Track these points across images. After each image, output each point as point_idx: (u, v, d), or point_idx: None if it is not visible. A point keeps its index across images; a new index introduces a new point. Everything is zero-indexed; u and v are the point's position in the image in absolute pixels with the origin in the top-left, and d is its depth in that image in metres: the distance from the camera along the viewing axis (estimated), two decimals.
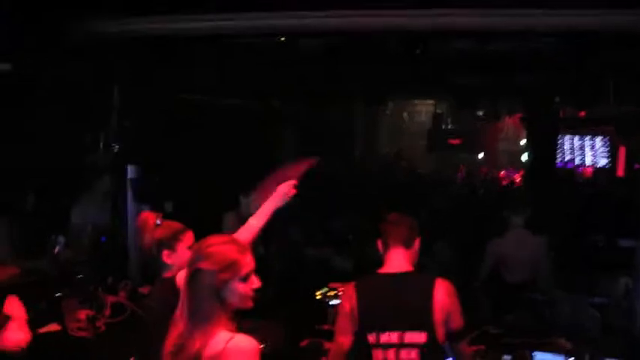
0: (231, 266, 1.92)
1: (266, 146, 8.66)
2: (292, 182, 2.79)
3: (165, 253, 2.67)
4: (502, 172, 14.12)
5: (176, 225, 2.75)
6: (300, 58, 6.48)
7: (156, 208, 4.67)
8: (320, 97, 10.37)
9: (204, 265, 1.91)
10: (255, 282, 1.97)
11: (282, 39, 5.08)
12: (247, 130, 7.52)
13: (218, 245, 1.97)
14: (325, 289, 3.73)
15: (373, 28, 4.63)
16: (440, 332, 2.63)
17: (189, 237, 2.71)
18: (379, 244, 2.85)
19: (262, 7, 4.35)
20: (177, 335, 1.92)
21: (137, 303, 3.97)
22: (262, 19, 4.42)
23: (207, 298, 1.89)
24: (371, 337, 2.65)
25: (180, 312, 1.93)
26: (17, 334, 3.19)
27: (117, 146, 5.56)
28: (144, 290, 4.26)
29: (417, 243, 2.84)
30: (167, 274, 2.65)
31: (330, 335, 3.46)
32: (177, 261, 2.61)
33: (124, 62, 5.17)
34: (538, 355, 3.27)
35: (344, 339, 2.73)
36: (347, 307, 2.73)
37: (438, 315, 2.61)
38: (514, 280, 4.68)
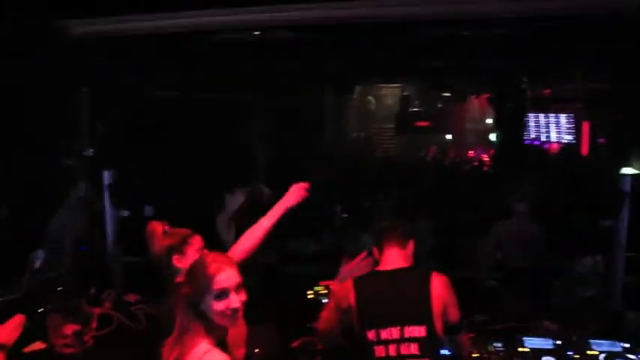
0: (201, 282, 1.96)
1: (239, 139, 8.61)
2: (305, 184, 2.91)
3: (175, 257, 2.72)
4: (471, 152, 14.30)
5: (183, 230, 2.81)
6: (267, 46, 6.44)
7: (135, 212, 4.61)
8: (288, 85, 10.38)
9: (181, 279, 2.04)
10: (234, 301, 1.95)
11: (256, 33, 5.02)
12: (220, 124, 7.46)
13: (197, 260, 2.07)
14: (317, 288, 3.75)
15: (341, 17, 4.64)
16: (438, 325, 2.68)
17: (197, 240, 2.77)
18: (374, 250, 2.93)
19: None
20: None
21: (123, 312, 3.95)
22: (229, 15, 4.38)
23: (186, 311, 1.97)
24: (371, 334, 2.68)
25: None
26: None
27: (91, 152, 5.48)
28: (129, 298, 4.22)
29: (411, 244, 2.89)
30: (179, 279, 2.66)
31: None
32: (188, 264, 2.66)
33: (91, 65, 5.06)
34: (527, 340, 3.35)
35: (330, 326, 2.84)
36: (343, 303, 2.76)
37: (436, 308, 2.67)
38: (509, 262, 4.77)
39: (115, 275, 4.79)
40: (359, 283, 2.80)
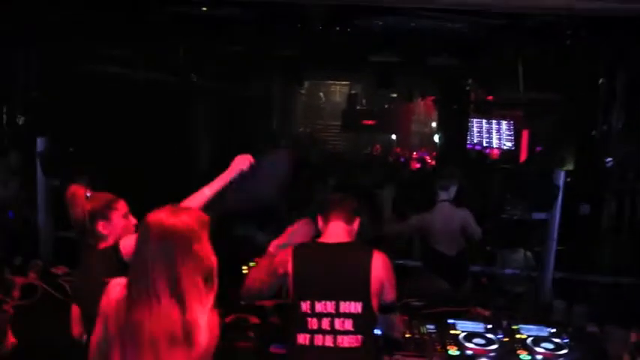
0: None
1: (180, 121, 8.43)
2: (249, 157, 2.85)
3: (100, 224, 2.61)
4: (415, 153, 14.54)
5: (107, 195, 2.70)
6: (218, 31, 6.33)
7: (67, 182, 4.42)
8: (237, 74, 10.26)
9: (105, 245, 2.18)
10: None
11: (204, 9, 4.91)
12: (161, 103, 7.28)
13: None
14: (252, 264, 3.67)
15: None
16: (374, 303, 2.63)
17: (122, 205, 2.68)
18: (319, 219, 2.85)
19: None
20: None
21: (49, 284, 3.77)
22: None
23: None
24: (305, 306, 2.61)
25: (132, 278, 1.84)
26: None
27: (22, 119, 5.23)
28: (57, 270, 4.05)
29: (357, 222, 2.85)
30: (103, 245, 2.61)
31: (255, 311, 3.49)
32: (113, 231, 2.63)
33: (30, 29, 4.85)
34: (459, 324, 3.40)
35: (258, 285, 2.76)
36: (280, 269, 2.69)
37: (374, 286, 2.61)
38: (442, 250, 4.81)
39: (45, 247, 4.57)
40: (298, 251, 2.74)
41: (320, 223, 2.85)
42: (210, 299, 1.84)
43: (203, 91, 9.66)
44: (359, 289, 2.61)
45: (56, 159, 4.50)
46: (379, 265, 2.65)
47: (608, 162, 5.24)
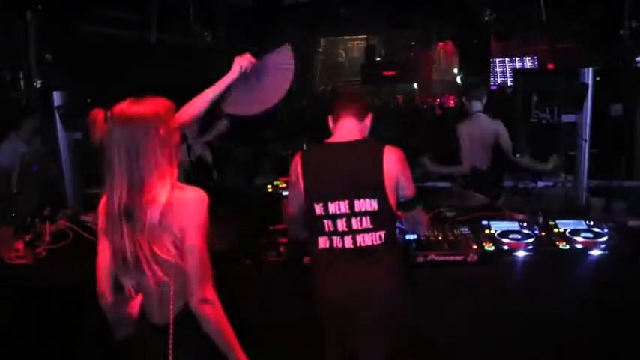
0: None
1: (196, 81, 8.40)
2: (248, 55, 2.78)
3: None
4: (437, 100, 14.28)
5: None
6: None
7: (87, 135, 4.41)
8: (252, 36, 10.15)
9: None
10: None
11: None
12: (173, 63, 7.26)
13: None
14: (277, 182, 3.64)
15: None
16: (391, 199, 2.52)
17: None
18: (329, 119, 2.74)
19: None
20: None
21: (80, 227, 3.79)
22: None
23: None
24: (318, 208, 2.53)
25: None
26: None
27: (39, 82, 5.25)
28: (86, 217, 4.06)
29: (369, 118, 2.72)
30: None
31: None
32: None
33: None
34: (494, 224, 3.31)
35: (292, 210, 2.68)
36: (292, 176, 2.62)
37: (388, 181, 2.50)
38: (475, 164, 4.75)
39: (74, 200, 4.59)
40: (307, 154, 2.65)
41: (330, 122, 2.73)
42: (174, 176, 2.02)
43: (219, 51, 9.58)
44: (372, 186, 2.50)
45: (75, 112, 4.48)
46: (392, 160, 2.52)
47: (638, 61, 5.02)
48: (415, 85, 15.10)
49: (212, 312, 2.00)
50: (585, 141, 4.10)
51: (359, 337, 2.50)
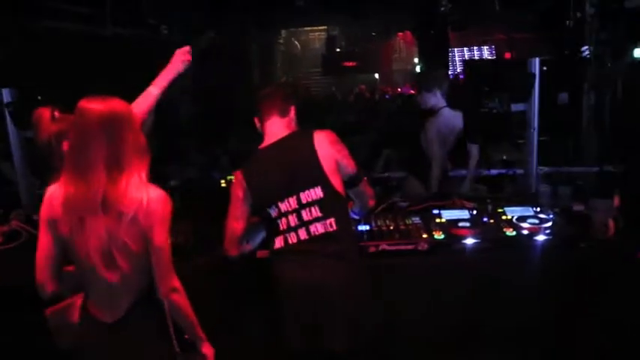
0: None
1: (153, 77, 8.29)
2: (187, 48, 2.82)
3: (65, 144, 2.47)
4: (399, 89, 14.42)
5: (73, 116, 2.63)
6: None
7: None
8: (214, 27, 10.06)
9: None
10: None
11: None
12: (129, 58, 7.13)
13: None
14: (230, 177, 3.65)
15: None
16: (335, 182, 2.58)
17: None
18: (256, 121, 2.79)
19: None
20: None
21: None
22: None
23: None
24: (273, 212, 2.59)
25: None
26: None
27: None
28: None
29: (292, 111, 2.76)
30: None
31: None
32: None
33: None
34: (444, 213, 3.39)
35: (236, 224, 2.68)
36: (240, 194, 2.65)
37: (326, 164, 2.56)
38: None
39: (26, 199, 4.51)
40: (246, 168, 2.69)
41: (257, 124, 2.78)
42: (145, 171, 2.11)
43: (175, 44, 9.46)
44: (312, 175, 2.56)
45: (25, 109, 4.40)
46: (323, 142, 2.59)
47: (584, 51, 5.18)
48: (376, 76, 15.20)
49: (180, 299, 2.15)
50: (534, 130, 4.22)
51: (322, 313, 2.50)
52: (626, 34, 4.94)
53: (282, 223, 2.59)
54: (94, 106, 2.06)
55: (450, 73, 12.53)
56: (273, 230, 2.63)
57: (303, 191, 2.55)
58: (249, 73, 13.44)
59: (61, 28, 6.43)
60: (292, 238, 2.58)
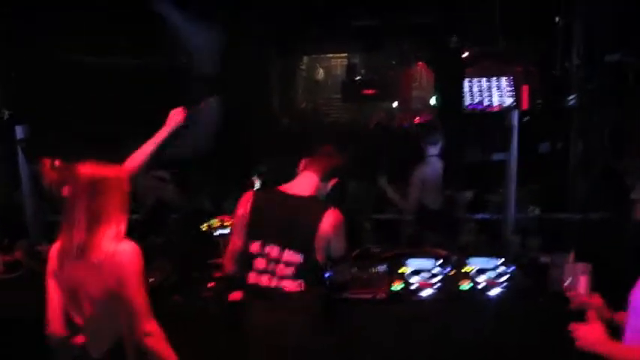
0: None
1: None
2: (182, 109, 3.12)
3: (65, 189, 2.76)
4: (417, 118, 14.46)
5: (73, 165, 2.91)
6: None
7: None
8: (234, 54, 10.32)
9: None
10: None
11: None
12: (148, 89, 7.41)
13: None
14: (212, 221, 3.87)
15: None
16: (319, 256, 2.78)
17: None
18: (301, 164, 2.99)
19: None
20: None
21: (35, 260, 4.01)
22: None
23: None
24: (255, 246, 2.80)
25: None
26: None
27: (7, 113, 5.45)
28: (42, 248, 4.28)
29: (332, 181, 2.95)
30: None
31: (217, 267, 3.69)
32: None
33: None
34: (411, 262, 3.56)
35: (237, 240, 2.90)
36: (242, 211, 2.87)
37: (319, 242, 2.76)
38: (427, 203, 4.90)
39: (33, 229, 4.82)
40: (258, 195, 2.93)
41: (300, 166, 2.98)
42: (124, 226, 2.40)
43: (196, 75, 9.75)
44: (303, 242, 2.77)
45: (37, 145, 4.73)
46: (329, 223, 2.77)
47: (570, 100, 5.30)
48: (395, 104, 15.31)
49: (155, 343, 2.35)
50: (512, 179, 4.37)
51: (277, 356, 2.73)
52: (613, 82, 5.05)
53: (260, 262, 2.80)
54: (85, 171, 2.40)
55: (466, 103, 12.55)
56: (249, 265, 2.84)
57: (289, 249, 2.77)
58: (270, 98, 13.72)
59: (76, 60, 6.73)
60: (264, 281, 2.80)
